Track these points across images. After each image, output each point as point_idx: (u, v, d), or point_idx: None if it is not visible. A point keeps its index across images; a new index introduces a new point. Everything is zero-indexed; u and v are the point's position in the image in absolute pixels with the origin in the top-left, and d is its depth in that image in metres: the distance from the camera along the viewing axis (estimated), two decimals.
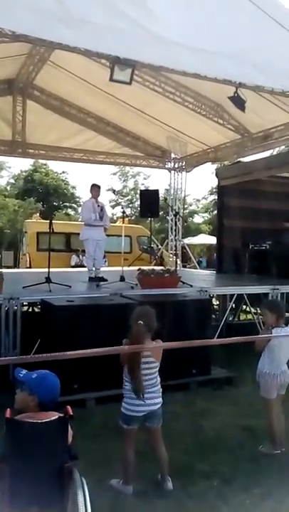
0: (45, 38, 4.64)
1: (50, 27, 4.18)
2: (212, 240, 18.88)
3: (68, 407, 2.34)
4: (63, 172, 32.53)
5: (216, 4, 4.73)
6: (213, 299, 9.07)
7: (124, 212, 7.76)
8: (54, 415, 2.32)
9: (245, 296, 7.54)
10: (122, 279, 7.18)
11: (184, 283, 7.00)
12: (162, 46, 4.75)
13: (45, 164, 30.21)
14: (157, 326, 3.45)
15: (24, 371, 2.43)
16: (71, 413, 2.32)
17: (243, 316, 10.38)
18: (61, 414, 2.32)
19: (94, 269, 7.89)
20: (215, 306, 9.07)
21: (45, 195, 28.33)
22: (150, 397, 3.32)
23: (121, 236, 8.76)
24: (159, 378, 3.43)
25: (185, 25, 4.65)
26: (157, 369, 3.41)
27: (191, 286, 6.90)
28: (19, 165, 43.99)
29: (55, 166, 31.45)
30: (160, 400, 3.40)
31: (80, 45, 4.89)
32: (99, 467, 3.64)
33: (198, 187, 45.62)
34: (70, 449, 2.35)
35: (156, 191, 12.42)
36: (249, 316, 9.05)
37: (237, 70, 5.32)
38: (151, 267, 7.68)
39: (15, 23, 4.13)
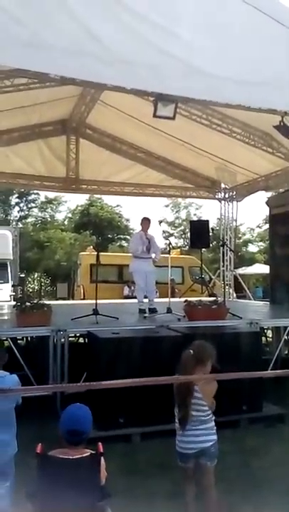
0: (87, 79, 4.84)
1: (90, 67, 4.32)
2: (267, 270, 18.43)
3: (100, 443, 2.31)
4: (118, 205, 33.32)
5: (250, 32, 4.70)
6: (268, 332, 8.76)
7: (170, 243, 7.78)
8: (86, 452, 2.29)
9: None
10: (169, 310, 7.12)
11: (233, 315, 6.83)
12: (203, 79, 4.78)
13: (100, 198, 31.12)
14: (214, 365, 3.35)
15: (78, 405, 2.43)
16: (102, 450, 2.28)
17: None
18: (92, 451, 2.29)
19: (144, 300, 7.90)
20: (269, 339, 8.74)
21: (100, 228, 29.07)
22: (200, 434, 3.23)
23: (172, 267, 8.74)
24: (212, 416, 3.31)
25: (224, 58, 4.67)
26: (206, 407, 3.28)
27: (241, 318, 6.72)
28: (76, 200, 45.55)
29: (109, 199, 32.35)
30: (214, 437, 3.27)
31: (120, 83, 5.05)
32: (140, 504, 3.54)
33: (252, 216, 45.02)
34: (103, 487, 2.30)
35: (207, 222, 12.40)
36: None
37: (281, 99, 5.25)
38: (199, 299, 7.56)
39: (59, 67, 4.34)
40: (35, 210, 32.81)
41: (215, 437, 3.29)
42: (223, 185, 13.23)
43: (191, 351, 3.30)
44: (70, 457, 2.24)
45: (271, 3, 4.65)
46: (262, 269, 23.27)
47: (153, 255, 7.81)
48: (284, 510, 3.49)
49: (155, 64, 4.47)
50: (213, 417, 3.32)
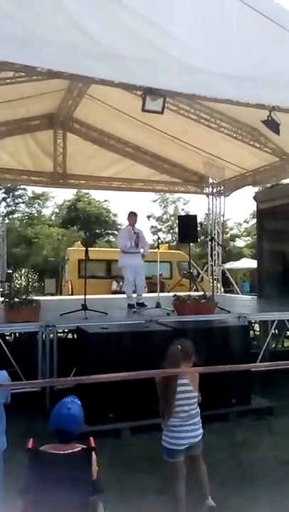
0: (78, 73, 4.81)
1: (82, 62, 4.31)
2: (255, 264, 18.57)
3: (91, 438, 2.30)
4: (105, 200, 33.23)
5: (239, 28, 4.71)
6: (256, 326, 8.83)
7: (159, 238, 7.77)
8: (77, 447, 2.28)
9: (287, 322, 7.28)
10: (158, 305, 7.13)
11: (221, 309, 6.87)
12: (192, 74, 4.78)
13: (87, 193, 30.99)
14: (194, 360, 3.41)
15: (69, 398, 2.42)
16: (93, 445, 2.27)
17: (287, 343, 10.03)
18: (84, 446, 2.28)
19: (134, 295, 7.90)
20: (257, 333, 8.82)
21: (87, 223, 28.97)
22: (190, 429, 3.30)
23: (160, 262, 8.74)
24: (198, 409, 3.38)
25: (212, 52, 4.66)
26: (196, 399, 3.36)
27: (229, 312, 6.76)
28: (63, 195, 45.26)
29: (97, 195, 32.23)
30: (200, 431, 3.38)
31: (111, 78, 5.03)
32: (130, 499, 3.56)
33: (239, 211, 45.26)
34: (95, 482, 2.30)
35: (195, 216, 12.41)
36: None
37: (269, 94, 5.27)
38: (188, 293, 7.58)
39: (48, 61, 4.30)
40: (22, 205, 32.58)
41: (202, 431, 3.40)
42: (211, 180, 13.26)
43: (179, 346, 3.33)
44: (61, 452, 2.23)
45: (265, 2, 4.65)
46: (249, 263, 23.45)
47: (142, 250, 7.80)
48: (274, 503, 3.52)
49: (146, 58, 4.46)
50: (199, 411, 3.38)
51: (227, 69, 4.84)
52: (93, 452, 2.30)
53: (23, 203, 32.33)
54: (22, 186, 28.53)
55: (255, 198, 10.86)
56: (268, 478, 3.93)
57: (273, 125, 6.74)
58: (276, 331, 8.56)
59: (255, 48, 4.78)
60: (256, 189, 14.28)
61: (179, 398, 3.29)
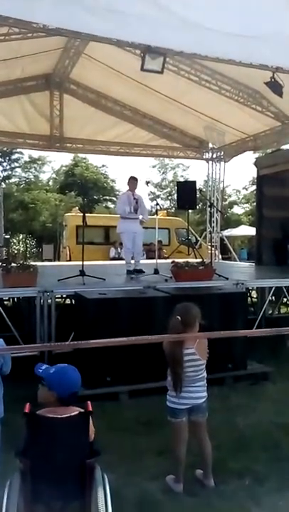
0: (73, 29, 4.59)
1: (78, 17, 4.11)
2: (253, 232, 18.52)
3: (89, 402, 2.31)
4: (103, 166, 32.77)
5: None
6: (253, 292, 8.86)
7: (157, 204, 7.66)
8: (74, 410, 2.28)
9: (285, 289, 7.30)
10: (156, 271, 7.11)
11: (219, 275, 6.86)
12: (194, 32, 4.55)
13: (85, 158, 30.53)
14: (200, 323, 3.39)
15: (44, 366, 2.41)
16: (90, 409, 2.28)
17: (284, 309, 10.10)
18: (82, 410, 2.28)
19: (132, 262, 7.87)
20: (254, 300, 8.86)
21: (84, 188, 28.68)
22: (194, 390, 3.31)
23: (158, 228, 8.66)
24: (205, 374, 3.40)
25: (216, 10, 4.43)
26: (203, 366, 3.37)
27: (227, 278, 6.75)
28: (60, 160, 44.55)
29: (95, 159, 31.76)
30: (205, 394, 3.38)
31: (109, 35, 4.77)
32: (129, 461, 3.63)
33: (239, 177, 44.81)
34: (92, 445, 2.32)
35: (194, 182, 12.21)
36: None
37: (273, 54, 5.02)
38: (186, 260, 7.54)
39: (42, 16, 4.09)
40: (19, 170, 32.12)
41: (206, 394, 3.40)
42: (210, 145, 13.02)
43: (179, 317, 3.30)
44: (59, 416, 2.23)
45: None
46: (247, 231, 23.39)
47: (141, 216, 7.71)
48: (270, 464, 3.60)
49: (146, 14, 4.25)
50: (206, 376, 3.39)
51: (229, 27, 4.64)
52: (90, 416, 2.31)
53: (19, 167, 31.88)
54: (18, 150, 28.09)
55: (255, 163, 10.68)
56: (265, 441, 4.00)
57: (276, 87, 6.54)
58: (273, 297, 8.61)
59: (263, 7, 4.55)
60: (256, 155, 14.07)
61: (185, 366, 3.31)
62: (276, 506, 3.08)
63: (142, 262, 8.04)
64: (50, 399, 2.31)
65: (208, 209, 13.52)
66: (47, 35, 7.75)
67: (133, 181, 7.85)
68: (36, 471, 2.17)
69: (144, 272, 7.37)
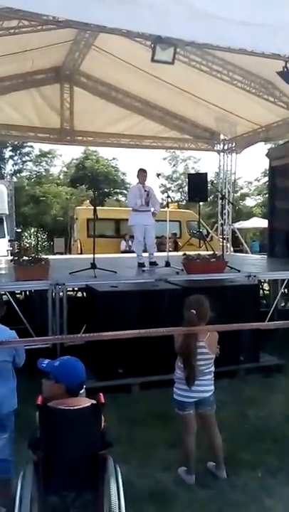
0: (84, 21, 4.56)
1: (88, 8, 4.08)
2: (265, 224, 18.38)
3: (101, 394, 2.32)
4: (114, 158, 32.67)
5: None
6: (265, 285, 8.80)
7: (168, 196, 7.62)
8: (86, 402, 2.30)
9: None
10: (168, 264, 7.09)
11: (231, 268, 6.82)
12: (205, 22, 4.48)
13: (95, 151, 30.47)
14: (210, 316, 3.38)
15: (47, 361, 2.42)
16: (103, 401, 2.29)
17: None
18: (94, 401, 2.29)
19: (144, 255, 7.85)
20: (266, 292, 8.80)
21: (95, 182, 28.67)
22: (201, 384, 3.32)
23: (169, 221, 8.63)
24: (213, 368, 3.40)
25: None
26: (212, 360, 3.38)
27: (239, 271, 6.72)
28: (70, 153, 44.50)
29: (105, 152, 31.67)
30: (212, 387, 3.39)
31: (119, 25, 4.75)
32: (141, 453, 3.64)
33: (250, 169, 44.40)
34: (104, 436, 2.33)
35: (205, 174, 12.13)
36: None
37: (285, 43, 4.99)
38: (197, 252, 7.51)
39: (51, 8, 4.06)
40: (30, 163, 32.16)
41: (213, 387, 3.41)
42: (222, 137, 12.91)
43: (193, 311, 3.29)
44: (72, 408, 2.24)
45: None
46: (259, 223, 23.23)
47: (152, 208, 7.68)
48: (282, 457, 3.59)
49: (155, 4, 4.21)
50: (214, 370, 3.38)
51: (240, 16, 4.56)
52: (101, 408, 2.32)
53: (30, 161, 31.93)
54: (29, 144, 28.14)
55: (268, 154, 10.56)
56: (276, 433, 3.99)
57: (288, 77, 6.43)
58: (286, 290, 8.53)
59: None
60: (267, 147, 13.92)
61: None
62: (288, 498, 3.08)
63: (155, 254, 8.02)
64: (59, 391, 2.32)
65: (220, 201, 13.42)
66: (57, 28, 7.73)
67: (142, 173, 7.81)
68: (49, 462, 2.19)
69: (158, 264, 7.37)
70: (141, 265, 7.61)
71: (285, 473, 3.35)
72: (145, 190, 7.68)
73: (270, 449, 3.70)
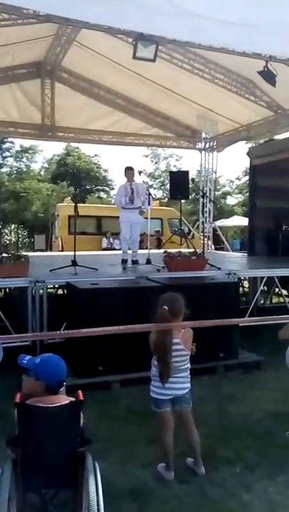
0: (66, 16, 4.53)
1: (70, 4, 4.04)
2: (246, 222, 18.55)
3: (80, 391, 2.31)
4: (95, 155, 32.52)
5: None
6: (245, 282, 8.90)
7: (150, 194, 7.63)
8: (65, 399, 2.29)
9: (276, 279, 7.33)
10: (149, 261, 7.11)
11: (211, 266, 6.87)
12: (186, 20, 4.49)
13: (77, 148, 30.28)
14: (185, 313, 3.38)
15: (28, 357, 2.41)
16: (82, 398, 2.28)
17: (275, 299, 10.15)
18: (73, 399, 2.29)
19: (128, 252, 7.86)
20: (246, 289, 8.90)
21: (77, 178, 28.48)
22: (176, 381, 3.31)
23: (151, 219, 8.64)
24: (189, 365, 3.40)
25: None
26: (187, 357, 3.37)
27: (219, 268, 6.76)
28: (52, 149, 44.11)
29: (87, 149, 31.48)
30: (188, 385, 3.38)
31: (101, 21, 4.73)
32: (121, 450, 3.65)
33: (232, 167, 44.74)
34: (83, 434, 2.32)
35: (186, 172, 12.13)
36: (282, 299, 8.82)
37: (266, 43, 5.02)
38: (178, 250, 7.54)
39: (35, 2, 4.02)
40: (10, 159, 31.76)
41: (189, 385, 3.40)
42: (203, 135, 12.99)
43: (166, 307, 3.29)
44: (50, 405, 2.23)
45: None
46: (240, 221, 23.41)
47: (139, 204, 7.66)
48: (262, 452, 3.63)
49: (137, 1, 4.19)
50: (189, 367, 3.39)
51: (224, 15, 4.58)
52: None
53: (10, 156, 31.53)
54: (9, 139, 27.78)
55: (248, 153, 10.65)
56: (256, 429, 4.04)
57: (269, 76, 6.52)
58: (265, 287, 8.65)
59: None
60: (249, 146, 14.05)
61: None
62: (266, 492, 3.12)
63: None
64: (38, 388, 2.30)
65: (201, 199, 13.50)
66: (38, 22, 7.64)
67: (128, 171, 7.81)
68: (28, 459, 2.17)
69: (139, 264, 7.39)
70: (124, 261, 7.64)
71: (264, 469, 3.39)
72: (131, 188, 7.68)
73: (250, 445, 3.74)
